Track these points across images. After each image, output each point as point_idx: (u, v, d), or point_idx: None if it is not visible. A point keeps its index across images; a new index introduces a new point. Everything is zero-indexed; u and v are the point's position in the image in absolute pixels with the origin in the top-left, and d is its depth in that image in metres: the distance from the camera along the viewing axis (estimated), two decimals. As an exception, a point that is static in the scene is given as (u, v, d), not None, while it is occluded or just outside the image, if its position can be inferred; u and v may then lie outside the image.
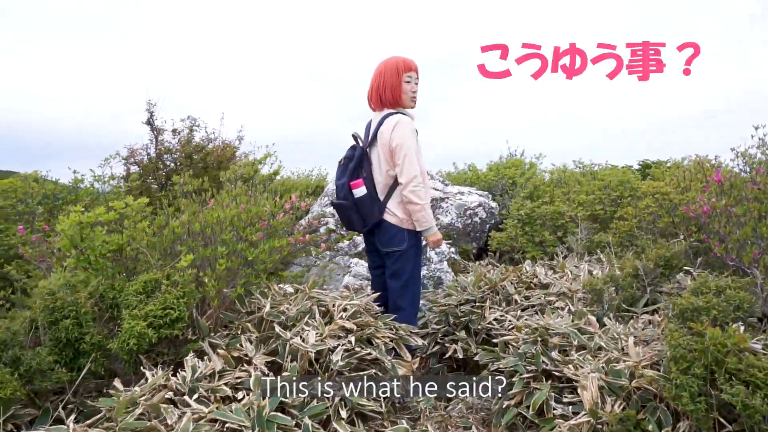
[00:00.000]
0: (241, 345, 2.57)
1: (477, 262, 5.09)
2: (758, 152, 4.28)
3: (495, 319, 3.28)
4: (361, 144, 3.05)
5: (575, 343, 2.59)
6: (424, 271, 4.78)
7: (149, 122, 5.37)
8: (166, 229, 2.71)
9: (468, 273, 4.88)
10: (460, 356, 3.17)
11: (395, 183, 2.95)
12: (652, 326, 2.71)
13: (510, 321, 3.19)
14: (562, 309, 3.23)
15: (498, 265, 4.82)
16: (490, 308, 3.45)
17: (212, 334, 2.68)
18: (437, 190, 5.42)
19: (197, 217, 2.84)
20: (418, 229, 2.98)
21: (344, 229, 3.32)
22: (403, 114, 2.95)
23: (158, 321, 2.39)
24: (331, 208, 3.78)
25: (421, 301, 4.09)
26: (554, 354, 2.61)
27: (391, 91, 2.93)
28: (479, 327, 3.31)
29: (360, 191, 2.94)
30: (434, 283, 4.70)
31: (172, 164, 5.40)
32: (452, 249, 5.01)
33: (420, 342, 2.99)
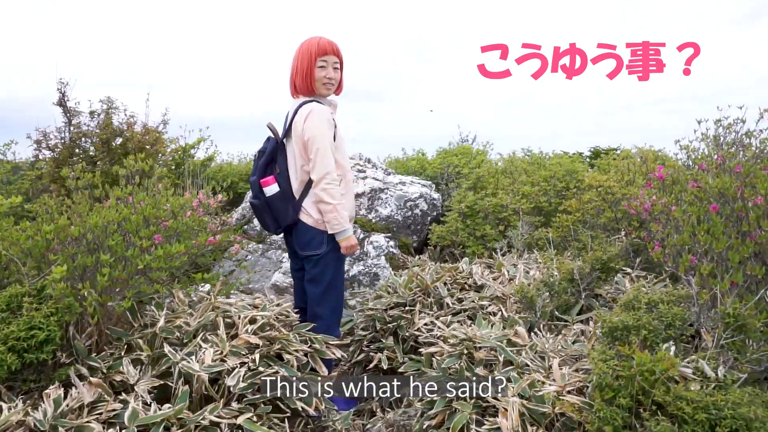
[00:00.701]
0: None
1: (417, 257, 4.86)
2: (702, 145, 4.17)
3: (424, 325, 3.06)
4: (275, 136, 2.75)
5: (502, 358, 2.38)
6: (359, 267, 4.52)
7: (61, 103, 4.87)
8: (39, 234, 2.34)
9: (405, 269, 4.65)
10: (385, 366, 2.93)
11: (311, 180, 2.66)
12: (584, 337, 2.53)
13: (439, 327, 2.97)
14: (495, 315, 3.03)
15: (434, 262, 4.60)
16: (420, 312, 3.22)
17: (94, 354, 2.35)
18: (377, 180, 5.14)
19: (79, 220, 2.48)
20: (330, 232, 2.66)
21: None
22: (318, 103, 2.66)
23: (21, 344, 2.05)
24: None
25: (352, 302, 3.83)
26: (479, 370, 2.39)
27: (302, 77, 2.64)
28: (408, 333, 3.08)
29: (271, 189, 2.67)
30: (370, 279, 4.45)
31: (91, 150, 4.93)
32: (391, 243, 4.76)
33: (338, 354, 2.73)
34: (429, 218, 5.03)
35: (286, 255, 4.65)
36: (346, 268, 4.53)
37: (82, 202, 2.74)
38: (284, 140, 2.74)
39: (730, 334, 1.90)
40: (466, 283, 3.48)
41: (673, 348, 1.90)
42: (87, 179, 2.84)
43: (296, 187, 2.71)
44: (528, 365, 2.23)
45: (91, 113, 5.08)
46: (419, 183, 5.33)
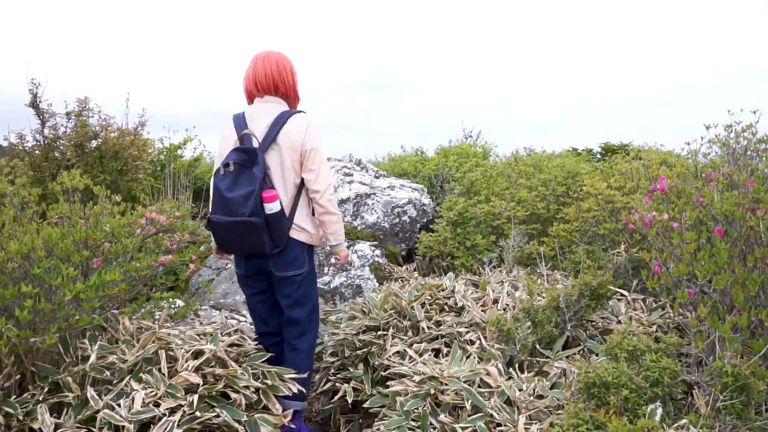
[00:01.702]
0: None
1: (404, 267, 4.58)
2: (714, 149, 3.83)
3: (396, 353, 2.79)
4: (255, 145, 2.43)
5: (469, 403, 2.11)
6: (342, 279, 4.26)
7: (33, 104, 4.66)
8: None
9: (393, 280, 4.38)
10: (350, 400, 2.67)
11: (299, 193, 2.49)
12: (564, 378, 2.24)
13: (410, 358, 2.70)
14: (473, 343, 2.75)
15: (421, 274, 4.31)
16: (393, 338, 2.95)
17: (14, 397, 2.12)
18: (364, 184, 4.86)
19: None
20: (332, 243, 2.57)
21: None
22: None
23: None
24: None
25: (322, 325, 3.58)
26: (444, 417, 2.12)
27: (295, 91, 2.61)
28: (378, 362, 2.81)
29: (274, 206, 2.34)
30: (353, 292, 4.19)
31: (67, 154, 4.71)
32: (377, 252, 4.49)
33: (294, 390, 2.46)
34: (418, 225, 4.74)
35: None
36: (327, 279, 4.28)
37: (15, 222, 2.51)
38: (263, 152, 2.43)
39: (729, 395, 1.60)
40: (446, 303, 3.20)
41: (659, 411, 1.61)
42: (21, 196, 2.60)
43: (286, 202, 2.46)
44: (494, 417, 1.95)
45: (68, 114, 4.86)
46: (409, 187, 5.04)
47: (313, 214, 2.55)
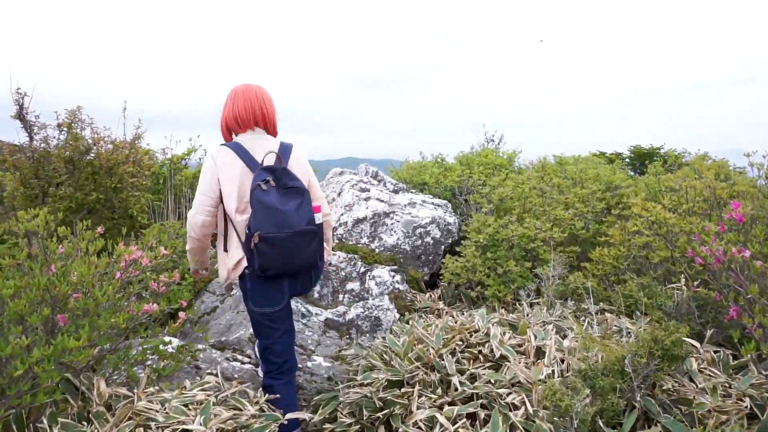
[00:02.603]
0: None
1: (428, 294, 4.12)
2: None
3: (422, 420, 2.34)
4: (286, 168, 2.39)
5: None
6: (358, 309, 3.82)
7: (20, 116, 4.27)
8: None
9: (414, 311, 3.93)
10: (370, 479, 2.23)
11: None
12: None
13: (442, 426, 2.25)
14: (516, 408, 2.29)
15: (444, 303, 3.85)
16: (420, 396, 2.50)
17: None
18: (382, 201, 4.41)
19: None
20: (329, 258, 2.84)
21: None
22: None
23: None
24: None
25: (348, 353, 3.15)
26: None
27: (274, 123, 2.58)
28: (402, 429, 2.36)
29: (319, 217, 2.41)
30: (371, 325, 3.74)
31: (58, 170, 4.31)
32: (397, 277, 4.04)
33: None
34: (443, 247, 4.28)
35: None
36: (342, 310, 3.85)
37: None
38: None
39: None
40: (480, 351, 2.74)
41: None
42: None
43: None
44: None
45: (59, 126, 4.47)
46: (431, 203, 4.58)
47: None
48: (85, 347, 1.91)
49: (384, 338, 3.28)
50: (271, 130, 2.54)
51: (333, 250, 4.20)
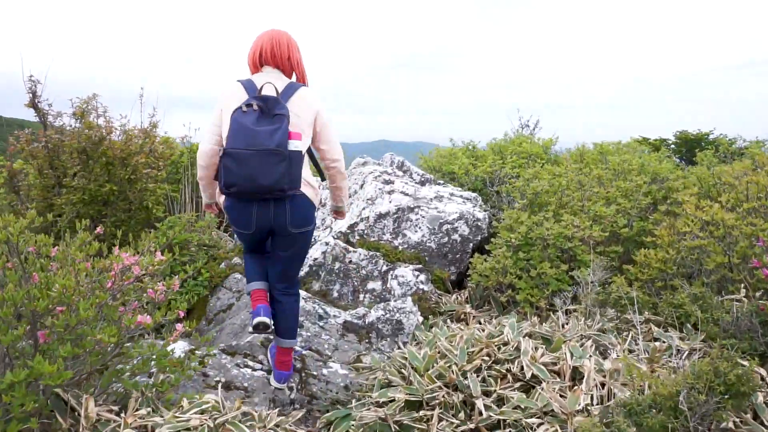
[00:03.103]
0: None
1: (454, 296, 3.84)
2: None
3: (444, 449, 2.09)
4: (277, 97, 2.48)
5: None
6: (379, 312, 3.57)
7: (33, 104, 4.14)
8: None
9: (439, 315, 3.66)
10: None
11: (306, 153, 2.61)
12: None
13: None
14: (549, 443, 2.01)
15: (472, 306, 3.56)
16: (440, 419, 2.25)
17: None
18: (406, 195, 4.13)
19: None
20: (342, 205, 2.96)
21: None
22: None
23: None
24: None
25: (350, 375, 2.93)
26: None
27: (300, 67, 2.75)
28: (420, 457, 2.12)
29: (297, 144, 2.46)
30: (392, 329, 3.49)
31: (74, 160, 4.17)
32: (421, 277, 3.77)
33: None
34: (471, 244, 3.98)
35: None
36: (362, 312, 3.61)
37: None
38: None
39: None
40: (509, 369, 2.46)
41: None
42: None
43: None
44: None
45: (75, 114, 4.33)
46: (459, 197, 4.28)
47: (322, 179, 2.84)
48: (64, 370, 1.71)
49: (405, 345, 3.04)
50: (287, 71, 2.68)
51: (353, 247, 3.96)
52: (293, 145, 2.43)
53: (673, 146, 8.38)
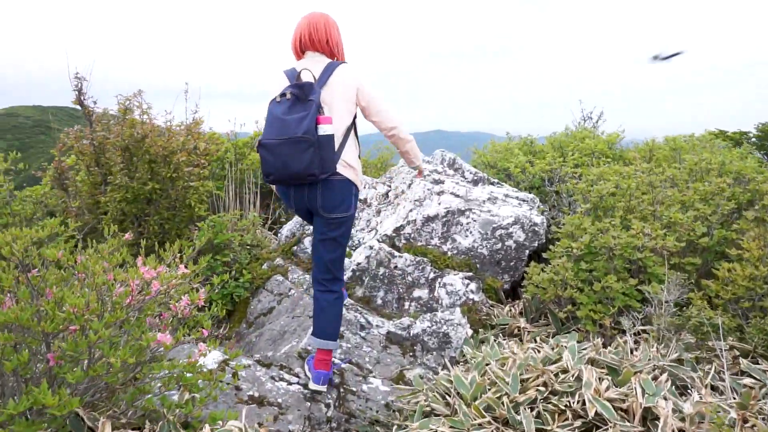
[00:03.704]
0: None
1: (508, 307, 3.54)
2: None
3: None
4: (312, 83, 2.56)
5: None
6: (425, 323, 3.33)
7: (79, 102, 4.11)
8: None
9: (491, 329, 3.38)
10: None
11: (348, 133, 2.66)
12: None
13: None
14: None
15: (527, 320, 3.24)
16: (489, 461, 1.99)
17: None
18: (457, 196, 3.84)
19: None
20: (417, 163, 3.01)
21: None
22: None
23: None
24: None
25: (391, 393, 2.70)
26: None
27: (339, 46, 2.78)
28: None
29: (328, 128, 2.50)
30: (439, 342, 3.24)
31: (117, 158, 4.13)
32: (471, 285, 3.49)
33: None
34: (527, 251, 3.66)
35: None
36: (407, 323, 3.38)
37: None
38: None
39: None
40: (568, 403, 2.16)
41: None
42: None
43: (337, 136, 2.59)
44: None
45: (118, 111, 4.29)
46: (515, 198, 3.95)
47: (360, 157, 2.78)
48: (75, 395, 1.56)
49: (451, 363, 2.77)
50: (328, 54, 2.72)
51: (399, 252, 3.72)
52: (322, 129, 2.48)
53: (754, 140, 7.66)
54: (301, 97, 2.50)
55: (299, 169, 2.45)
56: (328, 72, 2.63)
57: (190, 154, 4.04)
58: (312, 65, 2.63)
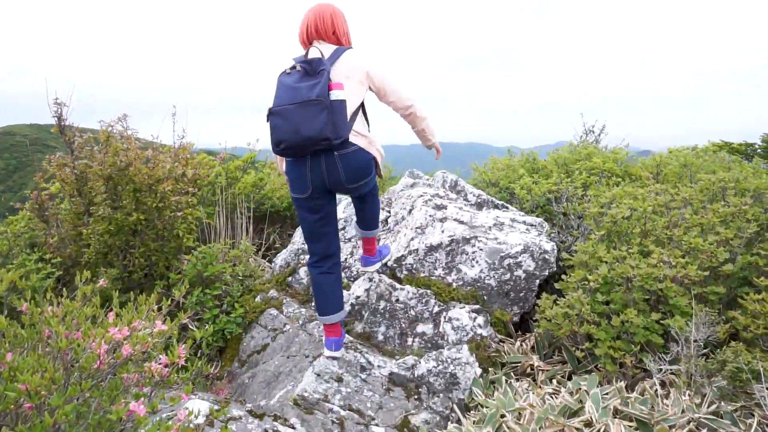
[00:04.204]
0: None
1: (518, 342, 3.30)
2: None
3: None
4: (321, 58, 2.58)
5: None
6: (430, 363, 3.09)
7: (60, 129, 3.89)
8: None
9: (502, 367, 3.14)
10: None
11: (357, 111, 2.69)
12: None
13: None
14: None
15: (539, 357, 3.00)
16: None
17: None
18: (461, 222, 3.61)
19: None
20: (432, 140, 3.09)
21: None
22: None
23: None
24: None
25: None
26: None
27: (347, 36, 2.81)
28: None
29: (339, 94, 2.53)
30: (445, 383, 3.00)
31: (101, 187, 3.89)
32: (479, 320, 3.26)
33: None
34: (537, 281, 3.43)
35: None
36: (411, 362, 3.13)
37: None
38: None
39: None
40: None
41: None
42: None
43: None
44: None
45: (98, 139, 4.06)
46: (522, 222, 3.72)
47: (369, 130, 2.79)
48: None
49: (459, 404, 2.53)
50: (335, 42, 2.74)
51: (400, 284, 3.49)
52: (334, 95, 2.50)
53: (760, 151, 7.48)
54: (310, 71, 2.53)
55: (313, 133, 2.43)
56: (336, 55, 2.67)
57: (178, 181, 3.81)
58: (321, 50, 2.66)
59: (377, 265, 3.40)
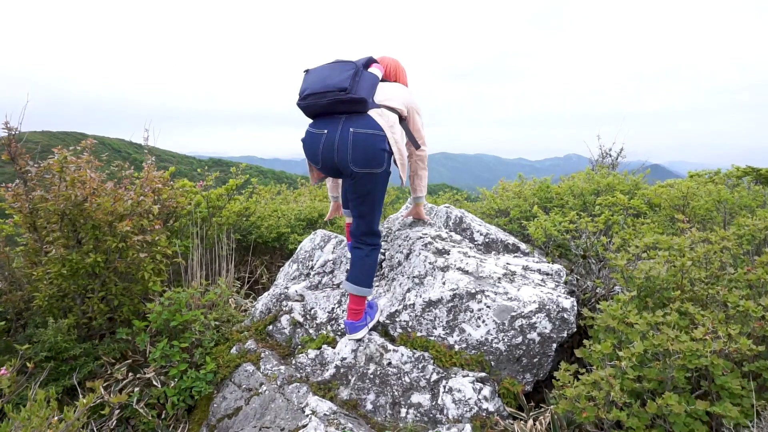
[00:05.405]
0: None
1: (530, 420, 2.79)
2: None
3: None
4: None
5: None
6: (426, 447, 2.58)
7: (11, 156, 3.45)
8: None
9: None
10: None
11: (394, 112, 2.85)
12: None
13: None
14: None
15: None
16: None
17: None
18: (466, 272, 3.11)
19: None
20: (420, 195, 3.32)
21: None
22: None
23: None
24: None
25: None
26: None
27: (406, 78, 3.13)
28: None
29: (376, 71, 2.85)
30: (444, 473, 2.49)
31: (53, 225, 3.44)
32: (485, 391, 2.76)
33: None
34: (554, 345, 2.92)
35: (312, 396, 2.86)
36: (403, 444, 2.64)
37: None
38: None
39: None
40: None
41: None
42: None
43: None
44: None
45: (50, 168, 3.61)
46: (537, 271, 3.22)
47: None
48: None
49: None
50: (401, 81, 3.10)
51: (393, 344, 3.00)
52: (372, 69, 2.82)
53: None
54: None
55: (335, 81, 2.55)
56: (382, 76, 2.96)
57: (142, 217, 3.34)
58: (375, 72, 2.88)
59: (364, 332, 3.03)
